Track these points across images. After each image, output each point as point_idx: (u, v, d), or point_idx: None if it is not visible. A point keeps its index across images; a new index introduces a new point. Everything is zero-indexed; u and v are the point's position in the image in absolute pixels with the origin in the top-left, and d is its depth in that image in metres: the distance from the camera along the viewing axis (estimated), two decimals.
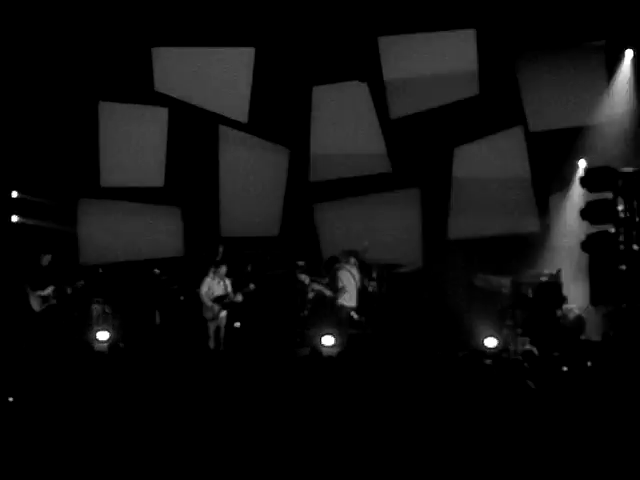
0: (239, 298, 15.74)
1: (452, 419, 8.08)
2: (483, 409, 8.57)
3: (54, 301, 16.02)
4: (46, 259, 16.20)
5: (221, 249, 17.36)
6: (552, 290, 16.12)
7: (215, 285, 15.75)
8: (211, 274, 15.81)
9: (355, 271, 16.59)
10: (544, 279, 16.33)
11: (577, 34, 17.37)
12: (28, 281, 16.00)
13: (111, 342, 13.95)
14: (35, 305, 15.97)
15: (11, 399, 9.19)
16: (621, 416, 8.37)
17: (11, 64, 17.35)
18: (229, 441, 7.67)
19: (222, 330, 15.73)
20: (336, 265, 16.52)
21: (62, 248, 17.02)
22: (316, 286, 16.84)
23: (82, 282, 16.38)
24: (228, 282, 15.80)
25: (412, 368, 9.43)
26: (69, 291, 16.18)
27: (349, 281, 16.44)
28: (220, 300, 15.67)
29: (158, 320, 17.25)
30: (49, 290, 15.99)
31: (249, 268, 16.82)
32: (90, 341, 13.97)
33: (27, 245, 17.64)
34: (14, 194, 18.34)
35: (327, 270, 16.63)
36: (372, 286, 16.92)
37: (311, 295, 17.04)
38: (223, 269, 15.82)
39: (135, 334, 16.30)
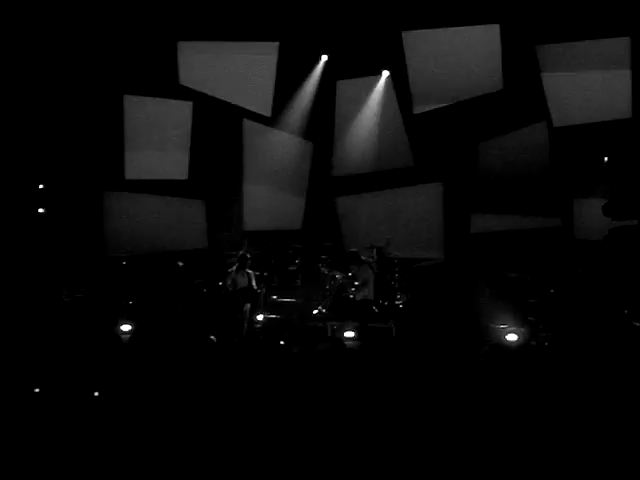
0: (262, 291, 15.82)
1: (470, 414, 8.12)
2: (504, 404, 8.59)
3: (82, 293, 16.18)
4: (81, 252, 16.37)
5: (246, 242, 17.47)
6: (574, 285, 16.09)
7: (239, 278, 15.82)
8: (235, 267, 15.88)
9: (375, 266, 16.68)
10: (566, 273, 16.32)
11: (601, 28, 17.31)
12: (64, 273, 16.20)
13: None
14: (66, 296, 16.16)
15: (37, 390, 9.29)
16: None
17: (38, 57, 17.47)
18: (246, 431, 7.74)
19: (245, 322, 15.81)
20: (358, 260, 16.54)
21: (87, 241, 17.13)
22: (337, 277, 16.93)
23: (181, 263, 16.70)
24: (252, 275, 15.87)
25: (432, 363, 9.45)
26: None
27: (370, 276, 16.52)
28: (243, 293, 15.75)
29: (181, 313, 17.36)
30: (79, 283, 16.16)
31: (273, 261, 16.88)
32: (116, 333, 14.09)
33: (53, 237, 17.81)
34: (41, 186, 18.51)
35: (349, 264, 16.66)
36: (394, 280, 16.96)
37: (333, 289, 17.13)
38: (247, 262, 15.87)
39: (158, 326, 16.43)
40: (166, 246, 18.21)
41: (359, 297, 16.47)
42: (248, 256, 16.27)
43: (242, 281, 15.86)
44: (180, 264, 17.31)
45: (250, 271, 15.93)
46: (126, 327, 16.02)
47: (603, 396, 8.52)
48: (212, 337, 11.80)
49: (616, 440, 7.65)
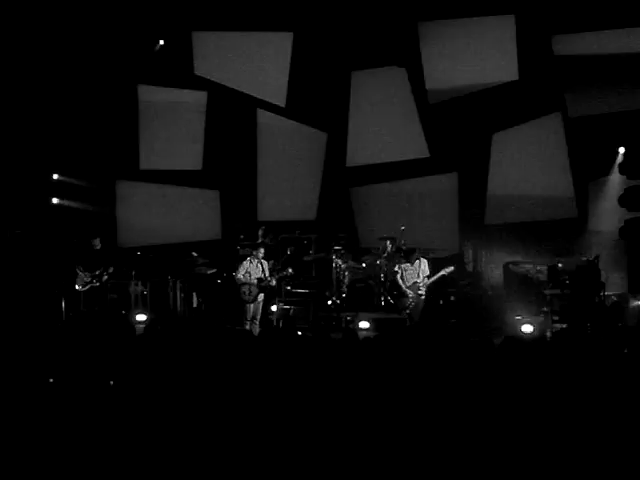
0: (274, 282, 15.77)
1: (481, 407, 8.08)
2: (515, 396, 8.56)
3: (97, 283, 16.20)
4: (97, 242, 16.38)
5: (260, 232, 17.44)
6: (590, 276, 16.00)
7: (253, 268, 15.78)
8: (249, 257, 15.84)
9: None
10: (582, 265, 16.23)
11: (617, 18, 17.19)
12: (79, 262, 16.22)
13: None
14: (80, 285, 16.19)
15: (51, 380, 9.30)
16: None
17: (54, 48, 17.48)
18: (256, 422, 7.73)
19: (259, 313, 15.77)
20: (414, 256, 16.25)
21: (101, 230, 17.15)
22: (350, 267, 16.94)
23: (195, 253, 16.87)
24: (266, 265, 15.83)
25: (446, 353, 9.41)
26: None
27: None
28: (258, 283, 15.71)
29: (196, 303, 17.37)
30: (98, 272, 16.18)
31: (289, 251, 16.83)
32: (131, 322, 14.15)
33: (67, 227, 17.83)
34: (55, 176, 18.55)
35: (407, 260, 16.33)
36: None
37: (347, 280, 17.11)
38: (261, 252, 15.84)
39: (172, 316, 16.47)
40: (180, 236, 18.21)
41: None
42: (262, 246, 16.25)
43: (256, 272, 15.81)
44: (194, 254, 17.32)
45: (265, 261, 15.88)
46: (141, 317, 16.08)
47: (616, 389, 8.48)
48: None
49: (622, 436, 7.61)
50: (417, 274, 15.72)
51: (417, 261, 15.78)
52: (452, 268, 15.92)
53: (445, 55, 17.96)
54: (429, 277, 15.77)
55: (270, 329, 14.98)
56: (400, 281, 15.79)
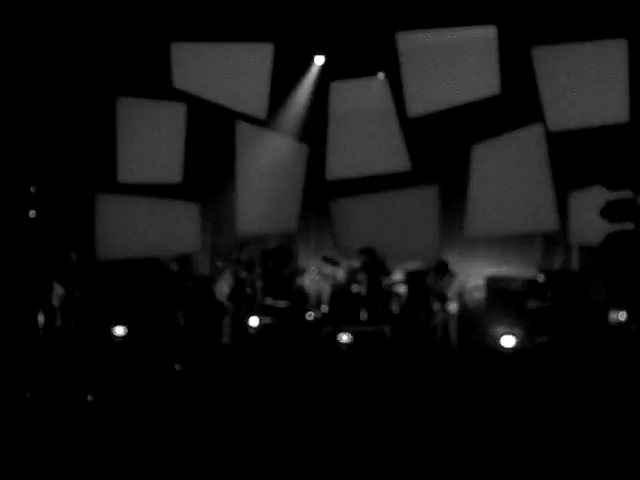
0: (256, 294, 15.71)
1: (460, 416, 8.03)
2: (495, 407, 8.51)
3: (73, 297, 16.06)
4: (73, 255, 16.26)
5: (239, 245, 17.37)
6: (572, 289, 16.01)
7: (232, 281, 15.70)
8: (228, 270, 15.78)
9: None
10: (564, 277, 16.24)
11: (598, 31, 17.23)
12: (55, 276, 16.09)
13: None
14: (56, 299, 16.04)
15: (29, 395, 9.21)
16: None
17: (30, 59, 17.36)
18: (234, 432, 7.65)
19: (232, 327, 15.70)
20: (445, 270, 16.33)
21: (78, 243, 17.01)
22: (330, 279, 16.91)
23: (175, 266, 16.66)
24: (247, 278, 15.76)
25: (425, 365, 9.38)
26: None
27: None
28: (237, 296, 15.62)
29: (181, 320, 17.23)
30: (74, 286, 16.06)
31: (267, 265, 16.77)
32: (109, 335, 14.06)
33: (44, 240, 17.67)
34: (32, 189, 18.36)
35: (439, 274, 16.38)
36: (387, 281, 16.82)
37: (327, 293, 17.06)
38: (241, 265, 15.80)
39: (152, 330, 16.34)
40: (159, 249, 18.09)
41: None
42: (242, 260, 16.17)
43: (235, 284, 15.73)
44: (174, 267, 17.22)
45: (245, 274, 15.82)
46: (120, 330, 15.98)
47: (597, 399, 8.47)
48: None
49: (606, 442, 7.58)
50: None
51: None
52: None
53: (425, 66, 17.93)
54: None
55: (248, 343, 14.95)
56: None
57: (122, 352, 13.80)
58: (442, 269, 16.23)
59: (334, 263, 17.33)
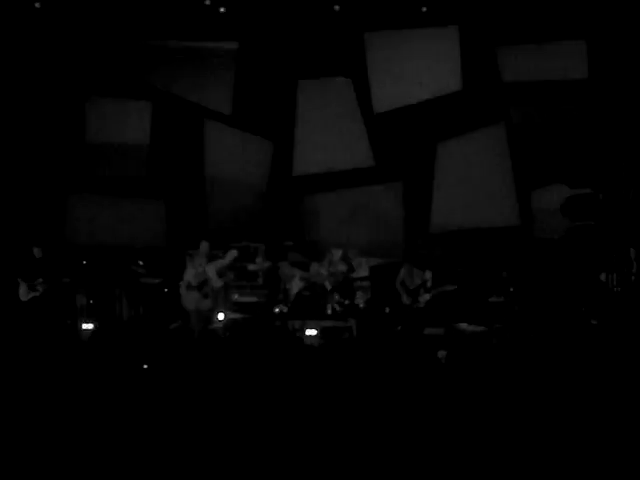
0: (219, 284, 15.86)
1: (428, 414, 8.17)
2: (464, 403, 8.65)
3: (39, 292, 16.05)
4: (37, 251, 16.26)
5: (205, 243, 17.39)
6: (534, 284, 16.22)
7: (197, 274, 15.84)
8: (192, 264, 15.92)
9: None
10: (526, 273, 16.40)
11: (559, 31, 17.52)
12: (20, 272, 16.08)
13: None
14: (23, 295, 16.04)
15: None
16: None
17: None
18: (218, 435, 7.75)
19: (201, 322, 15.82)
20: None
21: (48, 240, 17.01)
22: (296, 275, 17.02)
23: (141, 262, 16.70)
24: (210, 269, 15.90)
25: (392, 362, 9.52)
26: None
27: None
28: (201, 288, 15.77)
29: (141, 311, 17.29)
30: (38, 281, 16.04)
31: (234, 261, 16.87)
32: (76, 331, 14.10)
33: (15, 237, 17.67)
34: None
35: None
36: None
37: (294, 288, 17.15)
38: (203, 258, 15.96)
39: (119, 326, 16.42)
40: (126, 246, 18.12)
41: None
42: (207, 255, 16.28)
43: (199, 277, 15.86)
44: (140, 263, 17.28)
45: (210, 270, 15.91)
46: (87, 326, 16.04)
47: (561, 394, 8.60)
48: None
49: (573, 435, 7.73)
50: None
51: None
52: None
53: (390, 65, 18.16)
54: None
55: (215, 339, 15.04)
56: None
57: (90, 348, 13.85)
58: (420, 262, 16.25)
59: (301, 264, 17.42)
